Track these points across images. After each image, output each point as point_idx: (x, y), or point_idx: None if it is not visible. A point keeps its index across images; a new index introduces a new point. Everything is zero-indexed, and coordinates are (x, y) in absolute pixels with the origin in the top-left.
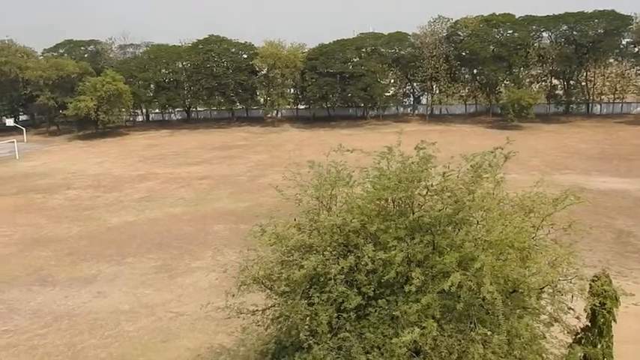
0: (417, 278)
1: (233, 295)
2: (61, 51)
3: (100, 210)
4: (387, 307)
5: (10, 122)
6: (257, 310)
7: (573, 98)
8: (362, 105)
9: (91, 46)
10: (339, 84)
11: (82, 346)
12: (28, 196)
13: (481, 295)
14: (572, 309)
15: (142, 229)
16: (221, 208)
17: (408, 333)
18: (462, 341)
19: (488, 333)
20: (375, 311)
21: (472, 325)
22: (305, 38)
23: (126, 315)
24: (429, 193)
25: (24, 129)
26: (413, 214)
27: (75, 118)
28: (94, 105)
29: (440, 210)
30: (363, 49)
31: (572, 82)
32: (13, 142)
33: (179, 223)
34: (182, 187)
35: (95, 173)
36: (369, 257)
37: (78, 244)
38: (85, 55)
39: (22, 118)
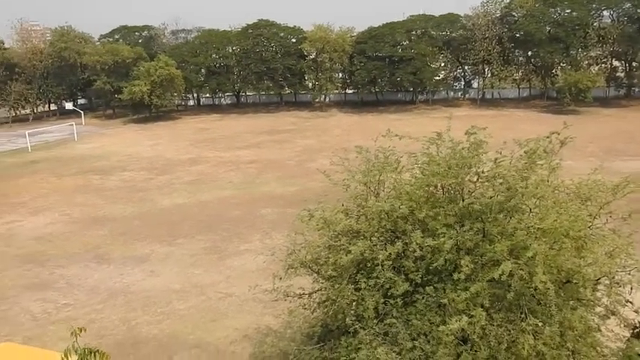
0: (466, 266)
1: (280, 278)
2: (116, 37)
3: (152, 192)
4: (434, 295)
5: (69, 106)
6: (304, 294)
7: (635, 81)
8: (411, 89)
9: (145, 32)
10: (387, 68)
11: (136, 322)
12: (86, 177)
13: (533, 285)
14: (631, 302)
15: (192, 211)
16: (269, 192)
17: (456, 321)
18: (512, 331)
19: (540, 324)
20: (423, 298)
21: (523, 316)
22: (354, 21)
23: (177, 294)
24: (479, 179)
25: (82, 112)
26: (463, 200)
27: (129, 102)
28: (148, 89)
29: (491, 197)
30: (413, 32)
31: (634, 64)
32: (72, 125)
33: (228, 206)
34: (231, 170)
35: (148, 156)
36: (417, 244)
37: (132, 224)
38: (139, 41)
39: (81, 101)
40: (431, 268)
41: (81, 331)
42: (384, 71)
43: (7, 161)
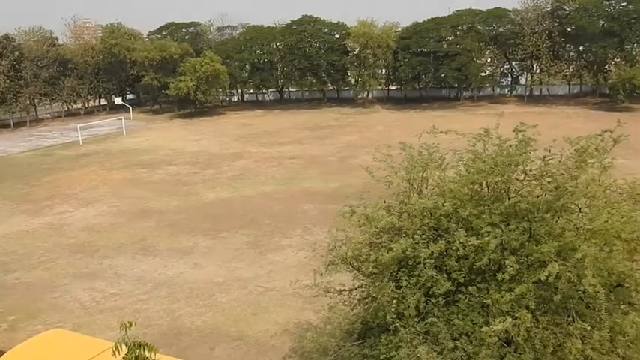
0: (511, 266)
1: (321, 274)
2: (164, 33)
3: (197, 186)
4: (477, 295)
5: (118, 101)
6: (344, 290)
7: None
8: (456, 85)
9: (192, 29)
10: (432, 64)
11: (180, 313)
12: (134, 170)
13: (581, 288)
14: None
15: (235, 206)
16: (310, 188)
17: (500, 322)
18: (559, 335)
19: (588, 328)
20: (465, 298)
21: (570, 319)
22: (398, 17)
23: (219, 287)
24: (527, 178)
25: (130, 107)
26: (509, 199)
27: (176, 97)
28: (193, 85)
29: (538, 196)
30: (459, 27)
31: None
32: (121, 119)
33: (270, 201)
34: (274, 166)
35: (193, 151)
36: (460, 242)
37: (177, 217)
38: (186, 37)
39: (129, 97)
40: (474, 267)
41: (131, 325)
42: (428, 67)
43: (61, 154)
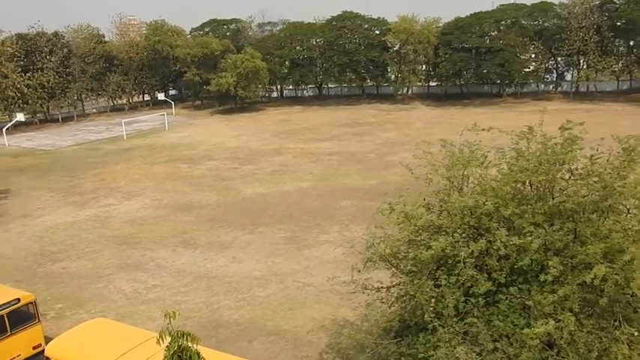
0: (555, 267)
1: (359, 271)
2: (206, 30)
3: (236, 181)
4: (518, 296)
5: (161, 96)
6: (382, 287)
7: None
8: (498, 82)
9: (233, 25)
10: (474, 59)
11: (218, 306)
12: (175, 164)
13: (629, 291)
14: None
15: (273, 201)
16: (349, 185)
17: (542, 324)
18: (604, 339)
19: (636, 333)
20: (506, 299)
21: (617, 323)
22: (440, 12)
23: (257, 281)
24: (572, 177)
25: (173, 103)
26: (553, 199)
27: (216, 93)
28: (234, 81)
29: (584, 196)
30: (502, 22)
31: None
32: (164, 114)
33: (308, 197)
34: (312, 162)
35: (233, 146)
36: (501, 242)
37: (216, 211)
38: (227, 34)
39: (172, 92)
40: (516, 267)
41: (175, 315)
42: (469, 63)
43: (106, 148)
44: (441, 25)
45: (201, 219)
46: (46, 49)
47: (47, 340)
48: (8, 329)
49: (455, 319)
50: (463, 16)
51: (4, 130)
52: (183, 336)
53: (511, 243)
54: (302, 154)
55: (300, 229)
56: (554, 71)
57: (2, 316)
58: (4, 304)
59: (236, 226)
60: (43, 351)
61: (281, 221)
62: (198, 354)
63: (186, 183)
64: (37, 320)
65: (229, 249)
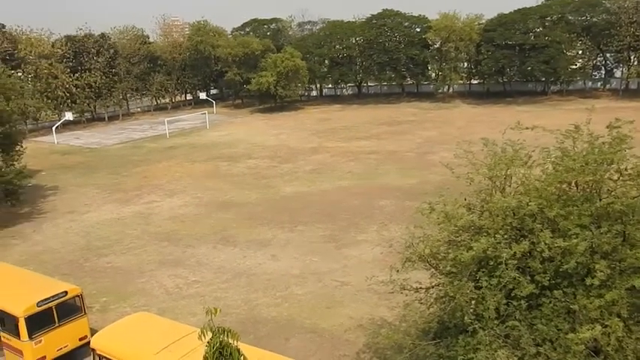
0: (602, 271)
1: (397, 271)
2: (247, 29)
3: (275, 179)
4: (563, 300)
5: (202, 96)
6: (421, 288)
7: None
8: (543, 79)
9: (273, 25)
10: (517, 57)
11: (257, 303)
12: (216, 163)
13: None
14: None
15: (312, 200)
16: (388, 184)
17: (588, 330)
18: None
19: None
20: (550, 302)
21: None
22: (483, 8)
23: (295, 279)
24: (621, 177)
25: (214, 102)
26: (600, 200)
27: (257, 92)
28: (274, 80)
29: (635, 197)
30: (548, 18)
31: None
32: (205, 113)
33: (347, 195)
34: (351, 160)
35: (272, 145)
36: (545, 244)
37: (256, 209)
38: (268, 33)
39: (213, 92)
40: (560, 270)
41: (216, 311)
42: (513, 60)
43: (149, 146)
44: (483, 21)
45: (241, 217)
46: (93, 50)
47: (93, 332)
48: (56, 321)
49: (496, 322)
50: (506, 12)
51: (53, 128)
52: (224, 332)
53: (556, 245)
54: (341, 152)
55: (339, 228)
56: (603, 68)
57: (51, 308)
58: (52, 297)
59: (275, 224)
60: (89, 342)
61: (320, 220)
62: (238, 350)
63: (226, 181)
64: (83, 313)
65: (268, 247)
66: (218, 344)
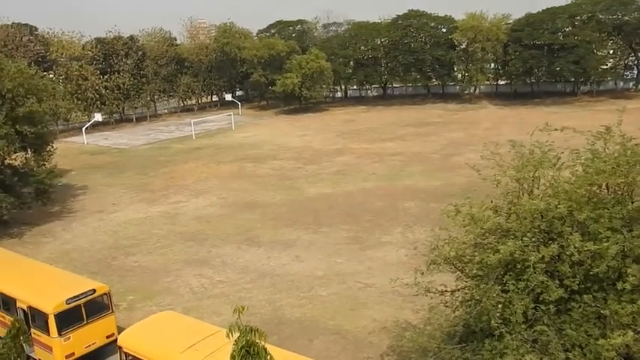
0: (634, 276)
1: (422, 273)
2: (272, 31)
3: (300, 180)
4: (593, 304)
5: (228, 97)
6: (446, 291)
7: None
8: (572, 80)
9: (298, 26)
10: (546, 57)
11: (281, 303)
12: (241, 164)
13: None
14: None
15: (336, 201)
16: (412, 185)
17: (619, 336)
18: None
19: None
20: (579, 307)
21: None
22: (510, 8)
23: (319, 280)
24: None
25: (239, 103)
26: (632, 202)
27: (281, 93)
28: (299, 82)
29: None
30: (578, 17)
31: None
32: (230, 115)
33: (371, 197)
34: (375, 162)
35: (297, 146)
36: (575, 247)
37: (280, 210)
38: (293, 35)
39: (238, 93)
40: (590, 274)
41: (243, 309)
42: (541, 60)
43: (176, 147)
44: (510, 21)
45: (265, 217)
46: (122, 52)
47: (119, 330)
48: (85, 318)
49: (523, 326)
50: (534, 12)
51: (83, 129)
52: (252, 331)
53: (586, 249)
54: (365, 154)
55: (363, 230)
56: (635, 68)
57: (79, 305)
58: (81, 295)
59: (299, 225)
60: (116, 340)
61: (344, 221)
62: (265, 349)
63: (251, 182)
64: (110, 311)
65: (292, 248)
66: (245, 343)
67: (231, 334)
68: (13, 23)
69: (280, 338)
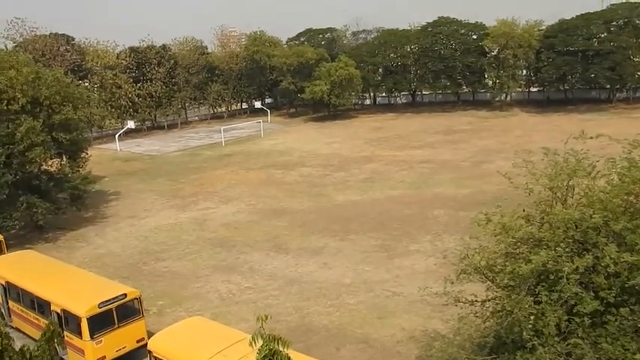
0: None
1: (452, 282)
2: (302, 39)
3: (328, 187)
4: (630, 318)
5: (257, 104)
6: (476, 301)
7: None
8: (607, 86)
9: (328, 34)
10: (580, 63)
11: (308, 311)
12: (269, 171)
13: None
14: None
15: (364, 209)
16: (441, 193)
17: None
18: None
19: None
20: (615, 320)
21: None
22: (543, 14)
23: (347, 288)
24: None
25: (268, 111)
26: None
27: (310, 101)
28: (328, 89)
29: None
30: (614, 23)
31: None
32: (260, 122)
33: (399, 205)
34: (404, 169)
35: (325, 153)
36: (611, 258)
37: (308, 217)
38: (322, 43)
39: (267, 100)
40: (627, 287)
41: (266, 318)
42: (575, 67)
43: (206, 154)
44: (543, 28)
45: (293, 224)
46: (154, 60)
47: (149, 334)
48: (116, 322)
49: (556, 339)
50: (568, 18)
51: (116, 136)
52: (275, 340)
53: (622, 260)
54: (394, 161)
55: (391, 238)
56: None
57: (111, 309)
58: (112, 299)
59: (327, 233)
60: (146, 345)
61: (372, 229)
62: (288, 358)
63: (279, 189)
64: (141, 315)
65: (320, 255)
66: (268, 351)
67: (254, 342)
68: (51, 34)
69: (307, 346)
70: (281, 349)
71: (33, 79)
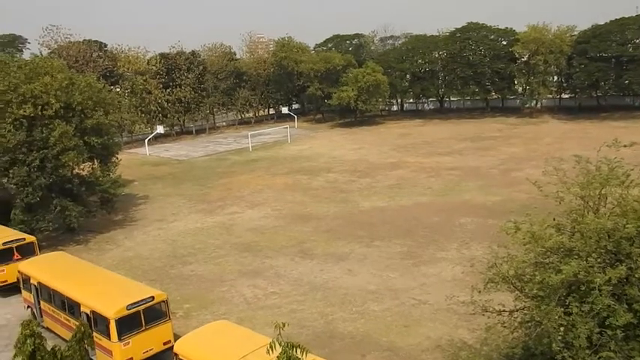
0: None
1: (479, 292)
2: (329, 45)
3: (354, 193)
4: None
5: (285, 110)
6: (504, 311)
7: None
8: None
9: (355, 40)
10: (613, 69)
11: (333, 317)
12: (296, 176)
13: None
14: None
15: (390, 215)
16: (469, 201)
17: None
18: None
19: None
20: None
21: None
22: (575, 20)
23: (372, 295)
24: None
25: (295, 116)
26: None
27: (337, 107)
28: (355, 95)
29: None
30: None
31: None
32: (287, 128)
33: (426, 212)
34: (431, 176)
35: (352, 159)
36: None
37: (334, 223)
38: (350, 49)
39: (295, 106)
40: None
41: (284, 325)
42: (608, 73)
43: (233, 159)
44: (575, 33)
45: (319, 230)
46: (184, 66)
47: (176, 337)
48: (143, 324)
49: (587, 352)
50: (601, 23)
51: (146, 141)
52: (293, 347)
53: None
54: (421, 168)
55: (417, 245)
56: None
57: (139, 311)
58: (140, 301)
59: (353, 239)
60: (172, 347)
61: (398, 236)
62: None
63: (305, 194)
64: (168, 318)
65: (345, 261)
66: (286, 359)
67: (272, 350)
68: (84, 40)
69: (331, 351)
70: (299, 355)
71: (67, 85)
